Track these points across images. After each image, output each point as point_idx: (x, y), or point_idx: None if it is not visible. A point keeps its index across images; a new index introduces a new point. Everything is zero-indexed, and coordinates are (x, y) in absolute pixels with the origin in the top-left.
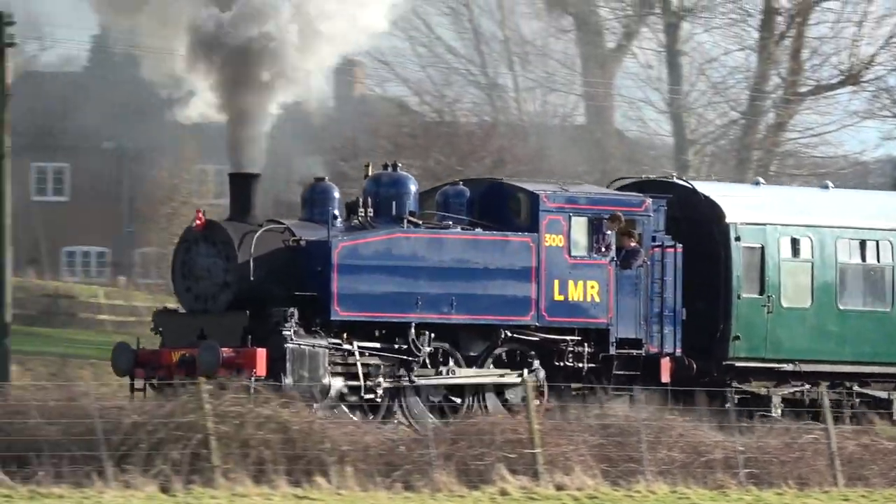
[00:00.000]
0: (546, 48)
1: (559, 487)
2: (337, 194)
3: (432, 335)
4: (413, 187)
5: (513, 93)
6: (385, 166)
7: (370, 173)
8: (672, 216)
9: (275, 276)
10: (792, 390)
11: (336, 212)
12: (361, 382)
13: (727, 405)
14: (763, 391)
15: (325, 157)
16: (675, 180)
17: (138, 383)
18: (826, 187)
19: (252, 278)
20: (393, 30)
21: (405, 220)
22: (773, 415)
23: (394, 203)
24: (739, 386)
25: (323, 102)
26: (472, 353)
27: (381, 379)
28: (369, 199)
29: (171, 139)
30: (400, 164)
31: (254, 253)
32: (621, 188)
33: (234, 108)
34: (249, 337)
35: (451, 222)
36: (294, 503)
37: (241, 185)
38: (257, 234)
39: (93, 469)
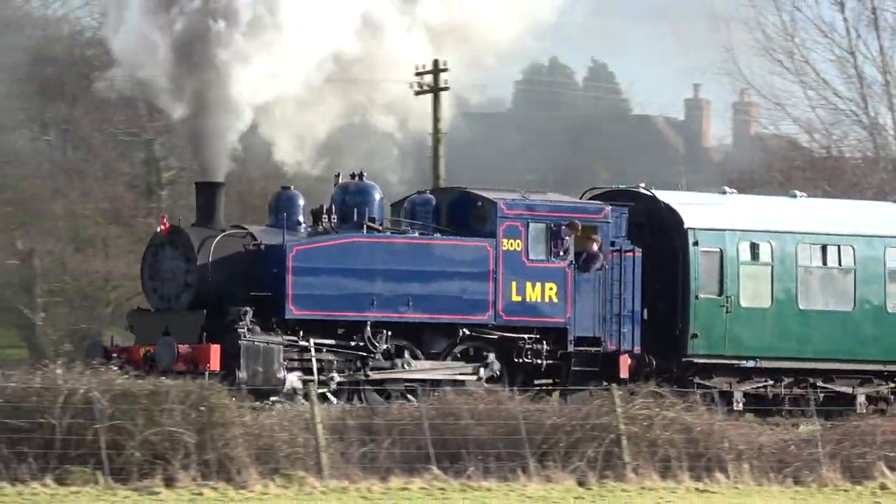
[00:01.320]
0: None
1: None
2: (301, 202)
3: (389, 333)
4: (377, 196)
5: (892, 131)
6: (353, 176)
7: (339, 182)
8: (638, 223)
9: (234, 278)
10: (754, 386)
11: (301, 218)
12: (315, 377)
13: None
14: (725, 387)
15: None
16: (641, 190)
17: None
18: (794, 196)
19: (210, 279)
20: (785, 74)
21: (364, 226)
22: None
23: (355, 210)
24: (702, 382)
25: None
26: (434, 351)
27: (334, 374)
28: (334, 207)
29: None
30: (367, 174)
31: (213, 256)
32: (594, 197)
33: (202, 122)
34: (204, 334)
35: (409, 228)
36: (696, 496)
37: (207, 193)
38: (217, 238)
39: (517, 465)
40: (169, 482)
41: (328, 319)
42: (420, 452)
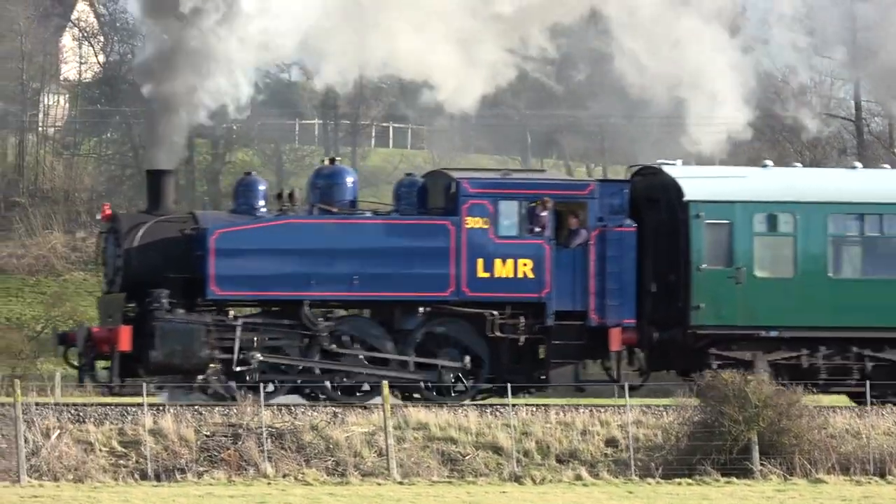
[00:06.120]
0: None
1: None
2: (262, 187)
3: (330, 312)
4: (350, 179)
5: None
6: (331, 161)
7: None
8: (655, 198)
9: (165, 262)
10: (783, 356)
11: (261, 202)
12: (235, 356)
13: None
14: (748, 357)
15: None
16: (655, 165)
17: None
18: (854, 168)
19: (134, 263)
20: None
21: (314, 208)
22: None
23: (325, 193)
24: (719, 352)
25: None
26: (405, 328)
27: (255, 353)
28: (308, 189)
29: None
30: (338, 158)
31: (140, 241)
32: (635, 174)
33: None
34: (119, 315)
35: (362, 209)
36: None
37: (155, 180)
38: (147, 224)
39: None
40: None
41: (260, 299)
42: None
